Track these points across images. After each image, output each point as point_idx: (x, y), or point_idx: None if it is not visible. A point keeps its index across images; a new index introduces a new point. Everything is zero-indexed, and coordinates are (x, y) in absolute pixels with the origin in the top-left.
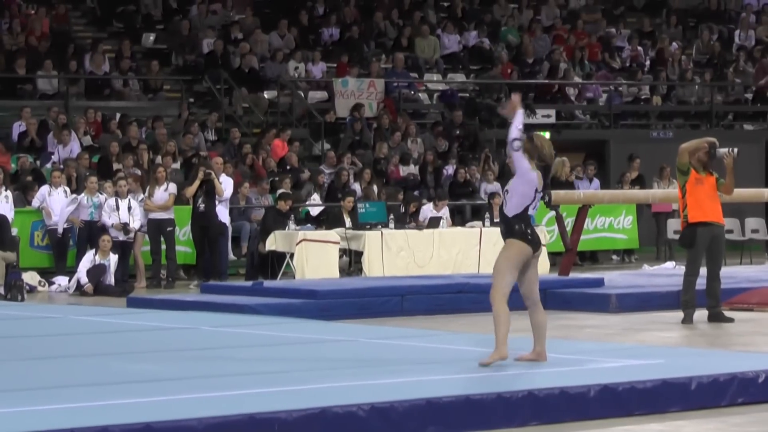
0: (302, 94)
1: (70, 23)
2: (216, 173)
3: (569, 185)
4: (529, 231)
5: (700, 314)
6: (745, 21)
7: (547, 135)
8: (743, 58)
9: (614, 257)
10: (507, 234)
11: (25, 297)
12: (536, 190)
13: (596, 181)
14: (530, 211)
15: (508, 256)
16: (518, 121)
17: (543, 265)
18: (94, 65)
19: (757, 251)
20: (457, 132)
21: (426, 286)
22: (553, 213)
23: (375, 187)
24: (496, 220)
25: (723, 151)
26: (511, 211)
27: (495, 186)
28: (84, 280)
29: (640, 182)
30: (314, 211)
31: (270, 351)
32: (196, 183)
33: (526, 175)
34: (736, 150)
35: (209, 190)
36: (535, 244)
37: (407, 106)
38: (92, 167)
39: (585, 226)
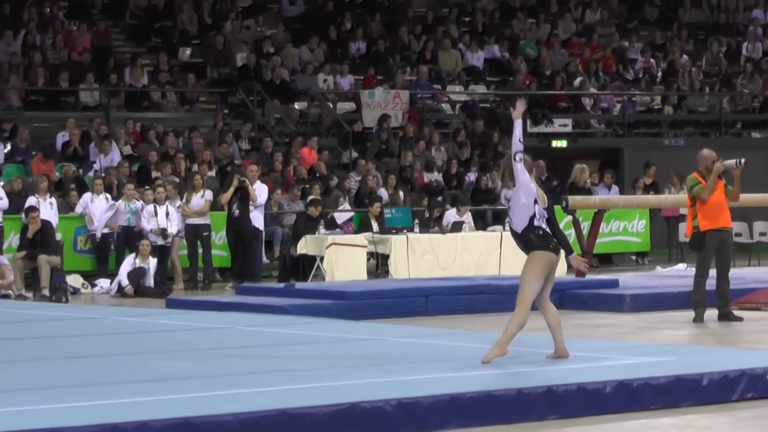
0: (331, 105)
1: (111, 39)
2: (250, 180)
3: (588, 191)
4: (547, 239)
5: (711, 313)
6: (752, 34)
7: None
8: (751, 69)
9: (633, 257)
10: (528, 248)
11: (69, 299)
12: (535, 201)
13: (615, 188)
14: (536, 222)
15: (535, 267)
16: (518, 132)
17: (560, 267)
18: (134, 78)
19: (764, 253)
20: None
21: (449, 288)
22: (570, 218)
23: (401, 194)
24: None
25: (731, 162)
26: (518, 226)
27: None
28: (125, 282)
29: (654, 188)
30: (340, 219)
31: (301, 349)
32: (231, 190)
33: (526, 185)
34: (743, 161)
35: (243, 197)
36: (557, 249)
37: (431, 116)
38: (132, 175)
39: (600, 229)
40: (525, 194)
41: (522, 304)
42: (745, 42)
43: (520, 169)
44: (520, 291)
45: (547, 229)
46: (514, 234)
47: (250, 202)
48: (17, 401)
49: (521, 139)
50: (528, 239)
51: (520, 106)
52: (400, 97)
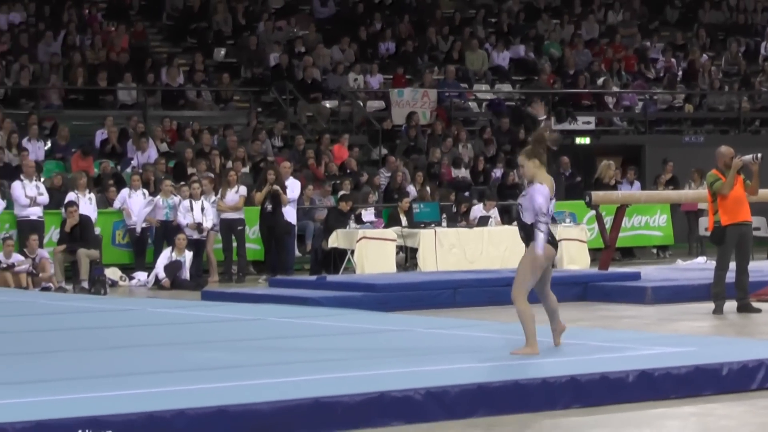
0: (361, 104)
1: (148, 39)
2: (283, 177)
3: (613, 188)
4: (549, 234)
5: (730, 305)
6: None
7: (581, 142)
8: None
9: (654, 251)
10: (529, 239)
11: (107, 291)
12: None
13: (637, 184)
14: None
15: (534, 259)
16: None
17: (584, 260)
18: (170, 78)
19: None
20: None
21: (476, 280)
22: (593, 212)
23: (429, 189)
24: None
25: (748, 158)
26: (529, 219)
27: None
28: (161, 275)
29: (674, 183)
30: (366, 216)
31: (332, 340)
32: (264, 191)
33: (544, 188)
34: (760, 156)
35: (276, 195)
36: (555, 245)
37: (458, 114)
38: (168, 172)
39: (623, 224)
40: (544, 198)
41: (519, 298)
42: (763, 42)
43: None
44: (516, 285)
45: (549, 225)
46: (522, 225)
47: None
48: (58, 390)
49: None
50: (530, 231)
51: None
52: (428, 95)
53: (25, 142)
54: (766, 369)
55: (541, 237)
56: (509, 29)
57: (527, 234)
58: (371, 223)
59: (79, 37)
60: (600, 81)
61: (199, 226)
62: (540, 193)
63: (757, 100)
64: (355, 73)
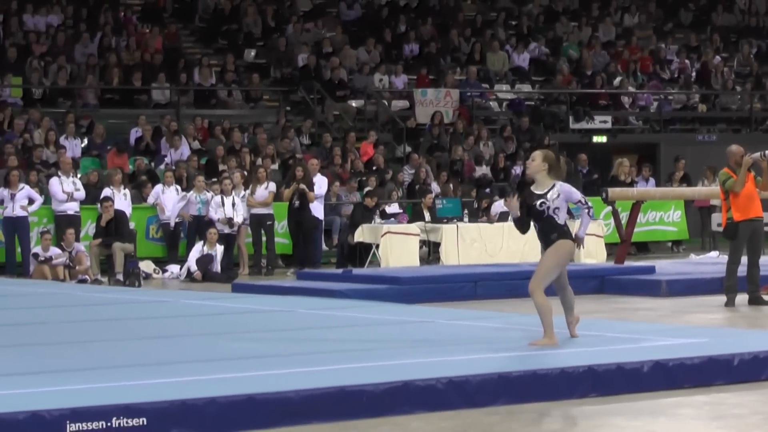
0: (386, 103)
1: (181, 41)
2: (311, 173)
3: (629, 185)
4: (568, 230)
5: (742, 298)
6: None
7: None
8: None
9: (668, 245)
10: (559, 236)
11: (141, 283)
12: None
13: (652, 181)
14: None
15: (560, 256)
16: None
17: (600, 255)
18: (202, 78)
19: None
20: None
21: (497, 273)
22: (609, 208)
23: (451, 186)
24: None
25: (757, 155)
26: (563, 219)
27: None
28: (193, 268)
29: (686, 180)
30: (390, 209)
31: (358, 331)
32: (291, 189)
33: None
34: None
35: (303, 194)
36: (573, 239)
37: (479, 113)
38: (200, 168)
39: (638, 219)
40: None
41: (537, 291)
42: None
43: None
44: (536, 278)
45: (594, 221)
46: (554, 225)
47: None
48: (93, 379)
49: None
50: (563, 230)
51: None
52: (451, 95)
53: (62, 139)
54: None
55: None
56: (529, 31)
57: (560, 233)
58: (395, 217)
59: (115, 39)
60: (616, 81)
61: (230, 221)
62: (572, 187)
63: None
64: (381, 73)
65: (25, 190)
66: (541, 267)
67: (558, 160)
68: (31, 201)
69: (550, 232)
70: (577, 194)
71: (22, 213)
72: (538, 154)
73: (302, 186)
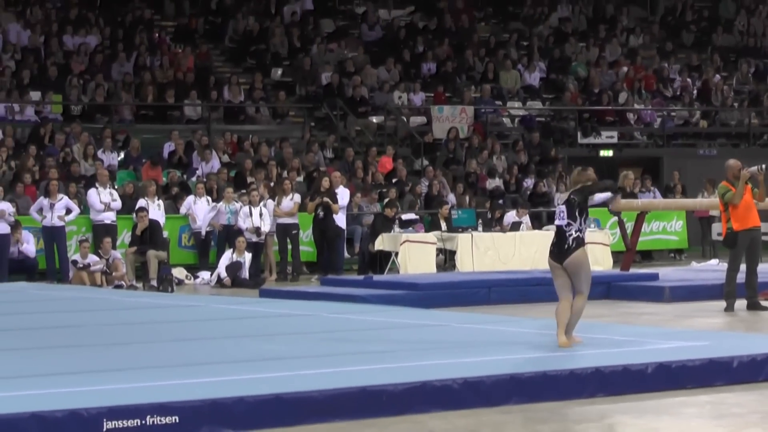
0: (405, 119)
1: (211, 60)
2: (334, 186)
3: (634, 196)
4: (583, 239)
5: (741, 303)
6: None
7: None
8: None
9: (671, 254)
10: (578, 246)
11: (174, 288)
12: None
13: (657, 192)
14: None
15: (587, 262)
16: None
17: (606, 262)
18: (231, 95)
19: None
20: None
21: (509, 280)
22: (615, 218)
23: (466, 197)
24: None
25: (754, 169)
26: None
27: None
28: (223, 274)
29: (683, 192)
30: (406, 216)
31: (378, 334)
32: (315, 202)
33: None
34: (764, 166)
35: (327, 206)
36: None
37: (493, 128)
38: (230, 180)
39: (642, 229)
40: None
41: (586, 294)
42: None
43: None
44: (585, 283)
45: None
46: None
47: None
48: (129, 379)
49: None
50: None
51: (629, 180)
52: (466, 111)
53: (100, 153)
54: None
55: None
56: (540, 51)
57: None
58: (413, 226)
59: (150, 58)
60: (622, 99)
61: (257, 230)
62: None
63: (766, 116)
64: (400, 91)
65: (63, 201)
66: (579, 277)
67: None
68: (68, 211)
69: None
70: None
71: (60, 222)
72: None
73: (326, 199)
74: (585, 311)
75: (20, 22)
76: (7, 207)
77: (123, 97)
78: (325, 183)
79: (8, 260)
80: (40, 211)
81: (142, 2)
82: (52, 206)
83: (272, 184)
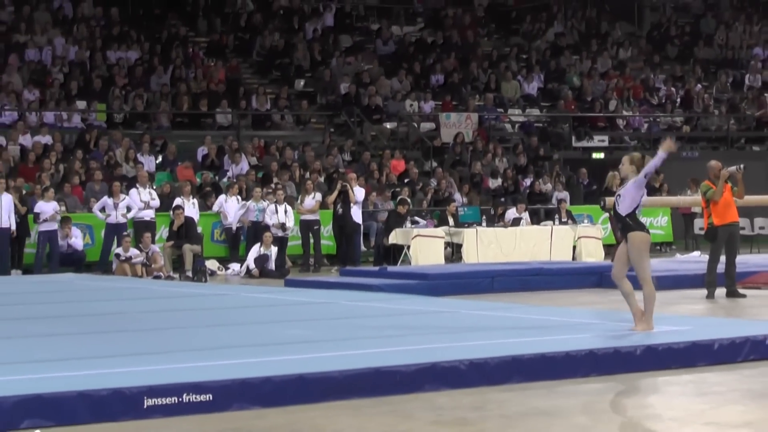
0: (416, 125)
1: (241, 72)
2: (351, 185)
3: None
4: (641, 223)
5: (720, 292)
6: (753, 67)
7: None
8: (752, 96)
9: (657, 247)
10: (627, 229)
11: (207, 279)
12: (642, 195)
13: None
14: (636, 211)
15: (639, 247)
16: (657, 162)
17: (599, 254)
18: (259, 104)
19: (763, 243)
20: (534, 153)
21: (510, 270)
22: (606, 215)
23: (471, 195)
24: (564, 219)
25: (733, 168)
26: (624, 210)
27: (563, 194)
28: (252, 266)
29: (669, 190)
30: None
31: (392, 319)
32: (335, 193)
33: (639, 181)
34: (742, 166)
35: (345, 199)
36: (648, 231)
37: (495, 133)
38: (257, 181)
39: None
40: (639, 189)
41: (645, 281)
42: (747, 74)
43: (641, 180)
44: (637, 273)
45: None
46: (618, 216)
47: (351, 203)
48: (166, 360)
49: (656, 167)
50: (627, 222)
51: (669, 144)
52: (471, 118)
53: (140, 156)
54: (750, 344)
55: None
56: (537, 64)
57: (624, 225)
58: (424, 222)
59: (185, 71)
60: (612, 106)
61: (282, 226)
62: (636, 185)
63: (743, 122)
64: (411, 99)
65: (126, 200)
66: (634, 263)
67: (643, 158)
68: (129, 209)
69: (620, 225)
70: (629, 196)
71: (123, 219)
72: (625, 159)
73: (345, 183)
74: (579, 298)
75: (68, 38)
76: (54, 206)
77: (161, 106)
78: (339, 185)
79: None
80: (103, 209)
81: (177, 20)
82: (115, 205)
83: (294, 184)
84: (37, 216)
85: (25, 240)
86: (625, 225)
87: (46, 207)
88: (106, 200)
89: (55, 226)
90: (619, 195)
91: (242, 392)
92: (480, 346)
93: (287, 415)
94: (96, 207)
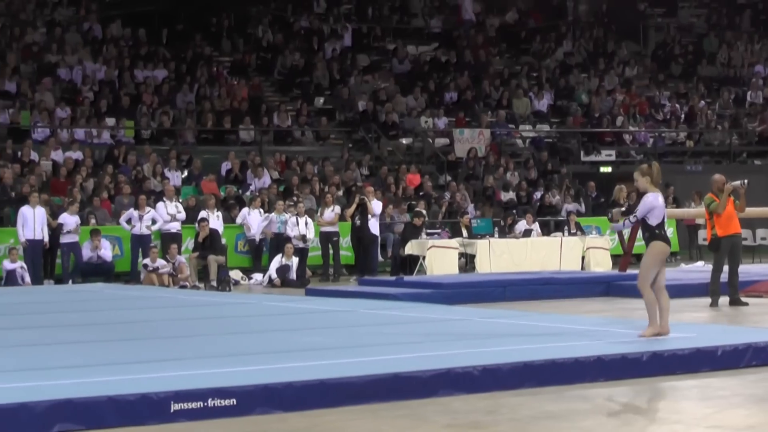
0: (430, 141)
1: (263, 90)
2: (369, 198)
3: (629, 207)
4: (665, 235)
5: (724, 300)
6: (755, 84)
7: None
8: (754, 112)
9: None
10: (651, 238)
11: (231, 288)
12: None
13: None
14: (664, 223)
15: (653, 255)
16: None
17: (607, 264)
18: (280, 120)
19: (765, 253)
20: (544, 167)
21: (522, 280)
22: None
23: (484, 208)
24: (573, 231)
25: (737, 183)
26: (654, 222)
27: (572, 206)
28: (274, 276)
29: (676, 202)
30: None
31: (408, 327)
32: (354, 206)
33: (658, 198)
34: (746, 182)
35: (363, 211)
36: (669, 243)
37: (507, 148)
38: (279, 194)
39: (637, 235)
40: (653, 199)
41: (643, 287)
42: (749, 91)
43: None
44: (639, 277)
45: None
46: (646, 225)
47: (369, 215)
48: (192, 366)
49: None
50: (654, 232)
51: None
52: (483, 134)
53: (166, 171)
54: (752, 350)
55: (627, 222)
56: (547, 81)
57: (650, 234)
58: (438, 234)
59: (209, 89)
60: (619, 122)
61: (303, 238)
62: (654, 198)
63: (744, 137)
64: (426, 116)
65: (150, 213)
66: (641, 268)
67: (650, 167)
68: (154, 221)
69: (644, 232)
70: (641, 211)
71: (147, 231)
72: (636, 174)
73: (363, 197)
74: (587, 306)
75: (97, 59)
76: (76, 220)
77: (186, 123)
78: (357, 199)
79: (86, 263)
80: (129, 221)
81: (202, 41)
82: (141, 217)
83: (314, 197)
84: (60, 227)
85: (57, 252)
86: (651, 234)
87: (70, 220)
88: (132, 212)
89: (76, 238)
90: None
91: (265, 397)
92: (493, 353)
93: (308, 418)
94: (122, 219)
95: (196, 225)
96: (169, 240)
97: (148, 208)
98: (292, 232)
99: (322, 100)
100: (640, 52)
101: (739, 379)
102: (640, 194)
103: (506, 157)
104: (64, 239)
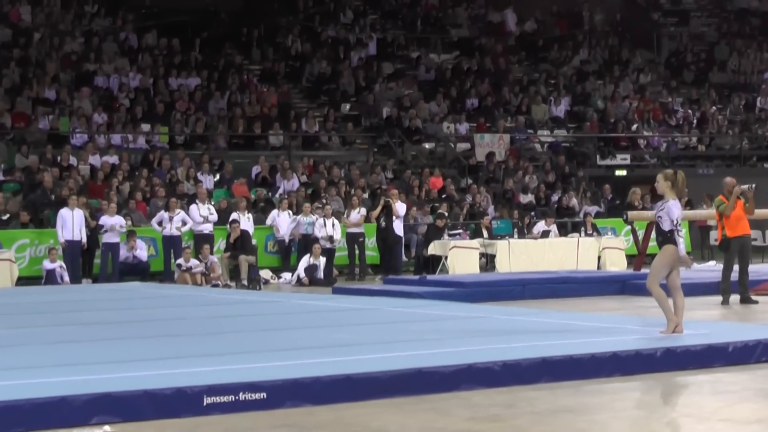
0: (452, 145)
1: (291, 97)
2: (394, 200)
3: (644, 209)
4: (676, 239)
5: (734, 298)
6: (764, 90)
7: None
8: (764, 117)
9: None
10: (664, 242)
11: (261, 287)
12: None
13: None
14: (677, 227)
15: (664, 257)
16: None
17: (622, 264)
18: (308, 126)
19: None
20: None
21: (540, 279)
22: (629, 227)
23: (504, 210)
24: (590, 232)
25: (746, 187)
26: (667, 227)
27: (592, 208)
28: (302, 275)
29: (690, 205)
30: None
31: (431, 324)
32: (379, 208)
33: (677, 203)
34: (753, 185)
35: (388, 213)
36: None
37: (526, 152)
38: (307, 197)
39: (651, 236)
40: (678, 211)
41: (653, 286)
42: (758, 97)
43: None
44: (649, 276)
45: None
46: (660, 230)
47: (393, 217)
48: (225, 361)
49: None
50: (666, 236)
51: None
52: (503, 139)
53: (199, 175)
54: (763, 346)
55: (681, 241)
56: (565, 88)
57: (664, 238)
58: (459, 234)
59: (240, 96)
60: (634, 127)
61: (330, 238)
62: (676, 207)
63: (755, 141)
64: (448, 122)
65: (180, 215)
66: (652, 267)
67: (675, 174)
68: (184, 223)
69: (661, 238)
70: (674, 215)
71: (177, 233)
72: (660, 176)
73: (388, 199)
74: (603, 304)
75: (133, 67)
76: (119, 220)
77: (218, 129)
78: (383, 201)
79: (122, 263)
80: (161, 222)
81: (233, 49)
82: (171, 219)
83: (341, 199)
84: (101, 228)
85: (95, 252)
86: (665, 239)
87: (109, 221)
88: (163, 214)
89: (116, 238)
90: (659, 216)
91: (294, 391)
92: (512, 349)
93: (335, 412)
94: (154, 220)
95: (228, 226)
96: (201, 241)
97: (178, 210)
98: (319, 233)
99: (348, 106)
100: (653, 60)
101: (750, 374)
102: (658, 196)
103: (525, 160)
104: (106, 238)
